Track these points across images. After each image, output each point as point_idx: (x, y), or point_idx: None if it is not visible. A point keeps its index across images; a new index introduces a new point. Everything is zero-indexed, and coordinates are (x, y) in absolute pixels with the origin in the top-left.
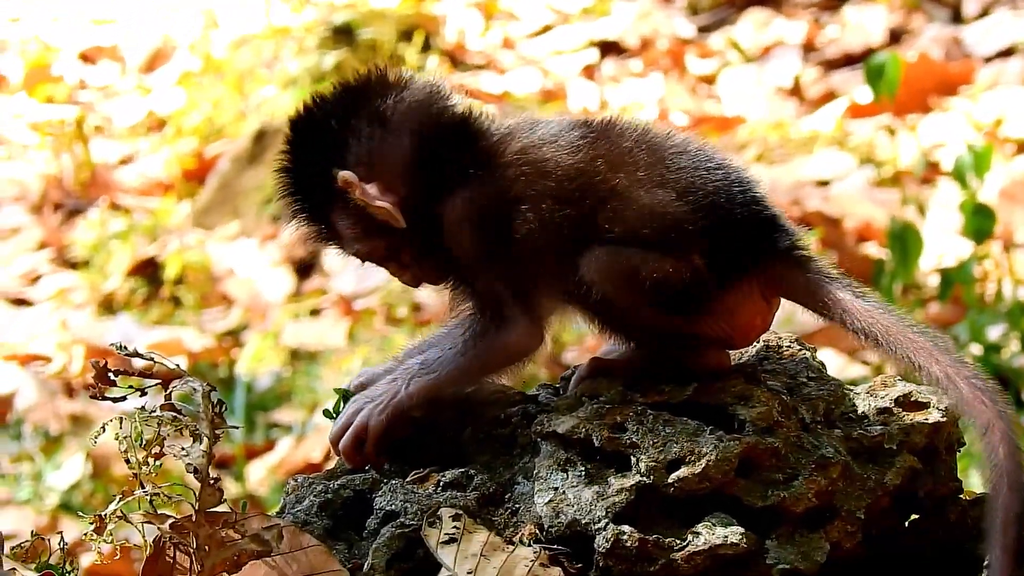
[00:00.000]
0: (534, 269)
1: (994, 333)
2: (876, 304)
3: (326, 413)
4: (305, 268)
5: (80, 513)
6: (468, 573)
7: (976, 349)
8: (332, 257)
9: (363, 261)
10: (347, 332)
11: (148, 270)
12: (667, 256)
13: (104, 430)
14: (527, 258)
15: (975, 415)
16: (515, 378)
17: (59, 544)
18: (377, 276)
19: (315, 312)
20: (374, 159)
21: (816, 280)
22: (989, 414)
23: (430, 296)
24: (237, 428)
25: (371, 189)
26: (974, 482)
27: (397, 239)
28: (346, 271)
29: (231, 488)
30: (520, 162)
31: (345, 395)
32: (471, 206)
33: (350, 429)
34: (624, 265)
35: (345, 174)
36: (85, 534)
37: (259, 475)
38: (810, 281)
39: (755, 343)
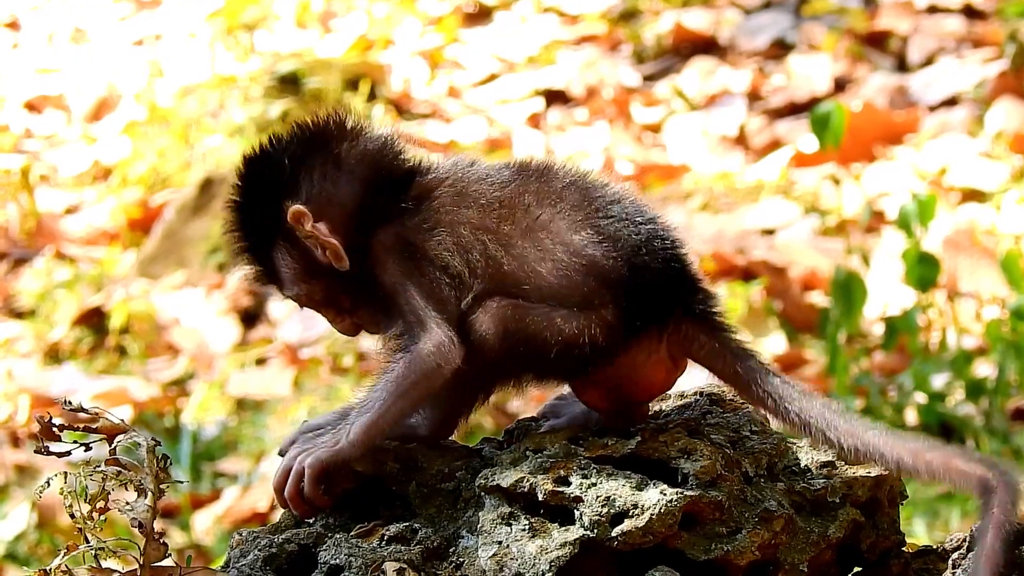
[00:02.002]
0: (450, 292)
1: (938, 382)
2: (787, 382)
3: (281, 453)
4: (251, 317)
5: (28, 565)
6: None
7: (920, 398)
8: (277, 306)
9: (302, 305)
10: (293, 381)
11: (94, 320)
12: (571, 314)
13: (49, 484)
14: (444, 281)
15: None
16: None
17: None
18: (322, 325)
19: (261, 361)
20: (324, 200)
21: (729, 349)
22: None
23: (376, 345)
24: (182, 482)
25: (321, 226)
26: (918, 531)
27: (336, 283)
28: (291, 320)
29: (177, 538)
30: (446, 193)
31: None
32: (396, 233)
33: (291, 474)
34: (517, 318)
35: (297, 207)
36: None
37: (205, 525)
38: (721, 349)
39: (698, 395)
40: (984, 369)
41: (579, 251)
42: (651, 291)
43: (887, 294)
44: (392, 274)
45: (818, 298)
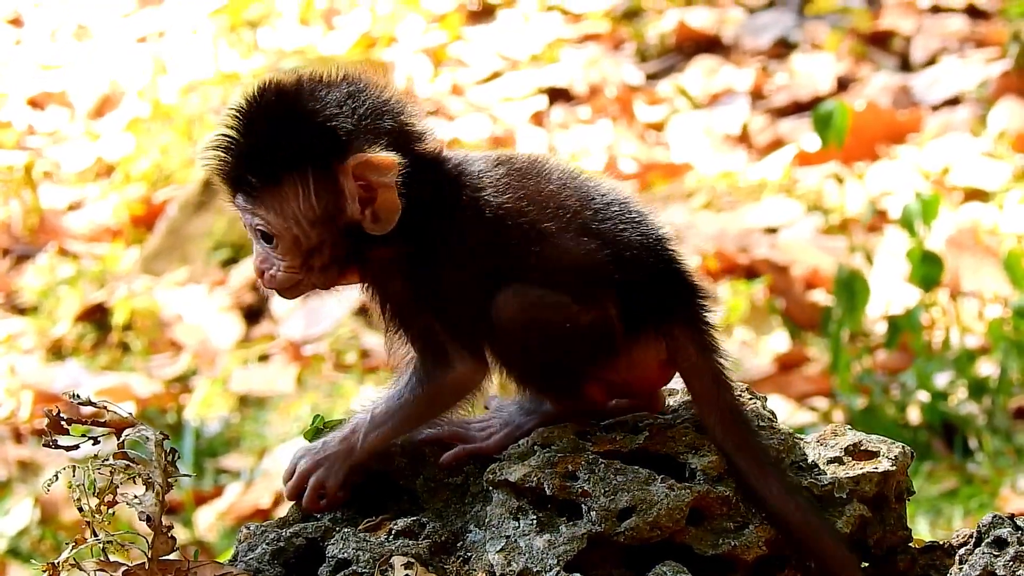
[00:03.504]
0: (469, 308)
1: (941, 381)
2: (745, 423)
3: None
4: (254, 314)
5: (32, 560)
6: None
7: (923, 396)
8: (280, 303)
9: (267, 240)
10: (296, 378)
11: (96, 316)
12: (581, 302)
13: (57, 478)
14: (463, 298)
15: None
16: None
17: None
18: (326, 322)
19: (264, 358)
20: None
21: (707, 367)
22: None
23: (379, 342)
24: (189, 476)
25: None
26: (921, 529)
27: (330, 241)
28: (294, 317)
29: (179, 534)
30: (466, 203)
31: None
32: (418, 248)
33: (309, 487)
34: (536, 305)
35: (388, 155)
36: None
37: (208, 521)
38: (700, 366)
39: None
40: (987, 368)
41: (580, 257)
42: (650, 292)
43: (890, 293)
44: (410, 292)
45: (820, 296)
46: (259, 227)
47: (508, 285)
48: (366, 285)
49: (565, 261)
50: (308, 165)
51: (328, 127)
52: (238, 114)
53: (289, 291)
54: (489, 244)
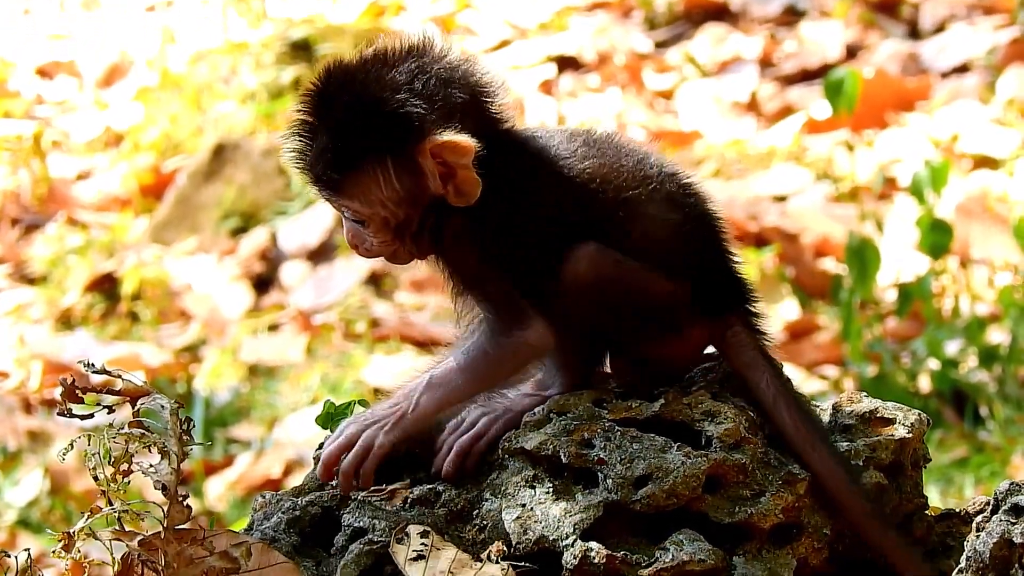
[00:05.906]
0: (545, 269)
1: (952, 348)
2: (798, 406)
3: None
4: (263, 283)
5: (48, 530)
6: None
7: (934, 364)
8: (290, 272)
9: (366, 226)
10: (305, 347)
11: (106, 285)
12: (658, 273)
13: (72, 447)
14: (539, 259)
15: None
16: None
17: (26, 560)
18: (335, 291)
19: (273, 327)
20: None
21: (755, 345)
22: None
23: (389, 312)
24: (207, 444)
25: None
26: (932, 498)
27: (416, 213)
28: (304, 286)
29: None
30: (543, 169)
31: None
32: (499, 210)
33: (354, 451)
34: (614, 265)
35: (467, 139)
36: (53, 551)
37: (218, 491)
38: (757, 354)
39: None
40: (997, 335)
41: (663, 228)
42: (715, 276)
43: (900, 260)
44: (489, 254)
45: (831, 264)
46: (347, 215)
47: (587, 243)
48: (440, 252)
49: (649, 230)
50: (386, 154)
51: (400, 114)
52: (308, 108)
53: (391, 259)
54: (571, 207)
